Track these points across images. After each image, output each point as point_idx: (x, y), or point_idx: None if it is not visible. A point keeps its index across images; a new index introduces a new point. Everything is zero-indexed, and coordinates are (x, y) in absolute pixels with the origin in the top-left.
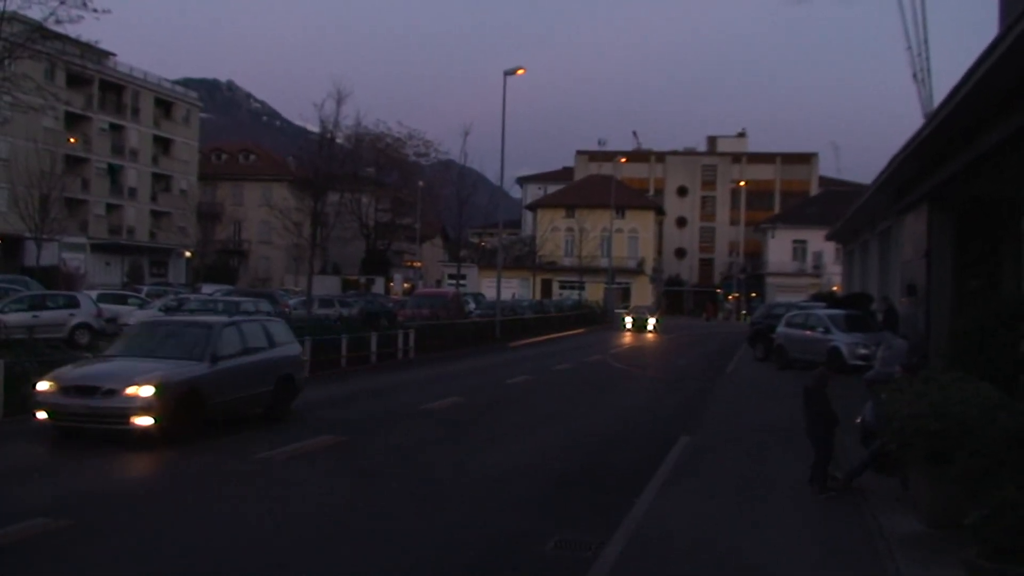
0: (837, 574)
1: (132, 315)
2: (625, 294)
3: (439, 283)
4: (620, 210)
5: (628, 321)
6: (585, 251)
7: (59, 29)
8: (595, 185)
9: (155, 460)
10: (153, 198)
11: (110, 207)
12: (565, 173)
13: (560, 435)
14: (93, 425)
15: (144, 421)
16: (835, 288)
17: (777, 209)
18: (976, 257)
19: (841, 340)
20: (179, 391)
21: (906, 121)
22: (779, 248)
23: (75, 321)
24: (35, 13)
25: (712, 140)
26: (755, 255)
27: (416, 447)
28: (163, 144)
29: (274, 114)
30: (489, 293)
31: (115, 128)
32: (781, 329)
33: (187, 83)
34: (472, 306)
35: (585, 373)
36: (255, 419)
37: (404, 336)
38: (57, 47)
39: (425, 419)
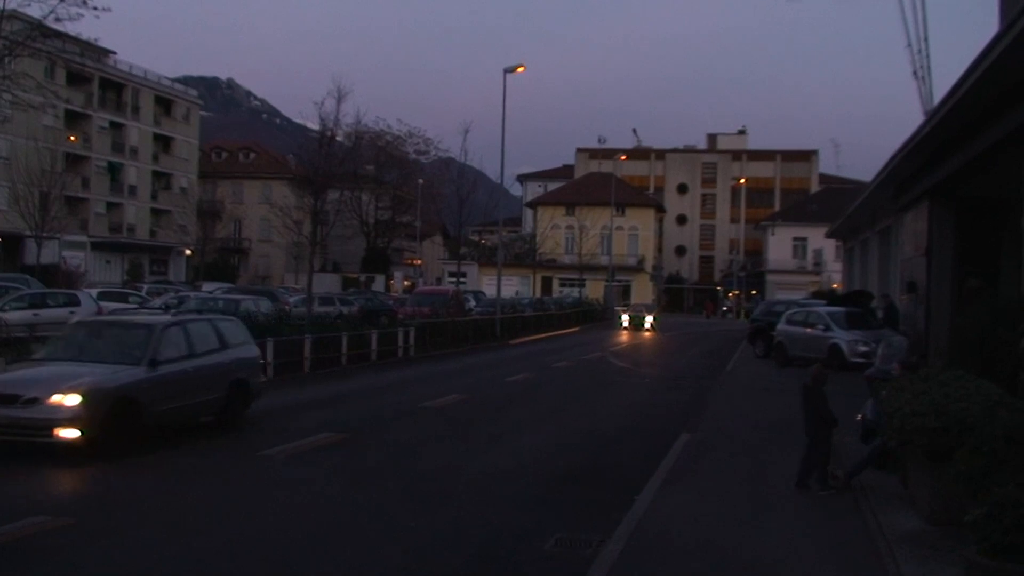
0: (837, 571)
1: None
2: (625, 292)
3: (439, 281)
4: (620, 208)
5: (625, 319)
6: (585, 249)
7: (59, 27)
8: (595, 183)
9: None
10: (153, 196)
11: (110, 205)
12: (565, 171)
13: (560, 432)
14: (11, 438)
15: (69, 434)
16: (835, 285)
17: (777, 206)
18: (976, 255)
19: (841, 337)
20: (111, 399)
21: (906, 118)
22: (779, 245)
23: (76, 319)
24: (35, 11)
25: (712, 138)
26: (755, 253)
27: (416, 444)
28: (163, 142)
29: (274, 112)
30: (489, 291)
31: (115, 126)
32: (781, 326)
33: (187, 81)
34: (472, 304)
35: (585, 370)
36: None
37: (404, 334)
38: (57, 45)
39: (425, 416)
